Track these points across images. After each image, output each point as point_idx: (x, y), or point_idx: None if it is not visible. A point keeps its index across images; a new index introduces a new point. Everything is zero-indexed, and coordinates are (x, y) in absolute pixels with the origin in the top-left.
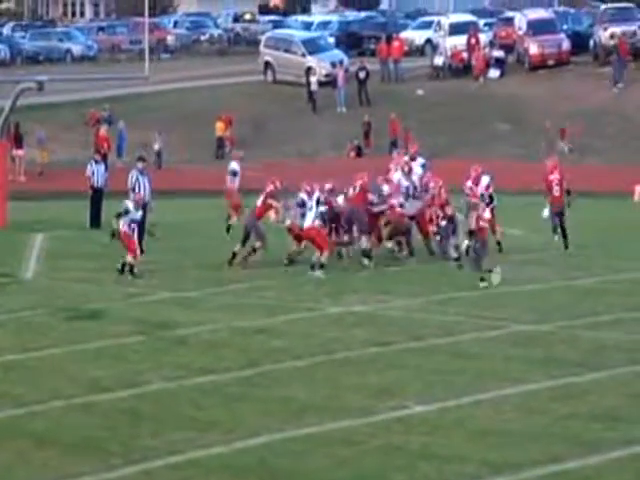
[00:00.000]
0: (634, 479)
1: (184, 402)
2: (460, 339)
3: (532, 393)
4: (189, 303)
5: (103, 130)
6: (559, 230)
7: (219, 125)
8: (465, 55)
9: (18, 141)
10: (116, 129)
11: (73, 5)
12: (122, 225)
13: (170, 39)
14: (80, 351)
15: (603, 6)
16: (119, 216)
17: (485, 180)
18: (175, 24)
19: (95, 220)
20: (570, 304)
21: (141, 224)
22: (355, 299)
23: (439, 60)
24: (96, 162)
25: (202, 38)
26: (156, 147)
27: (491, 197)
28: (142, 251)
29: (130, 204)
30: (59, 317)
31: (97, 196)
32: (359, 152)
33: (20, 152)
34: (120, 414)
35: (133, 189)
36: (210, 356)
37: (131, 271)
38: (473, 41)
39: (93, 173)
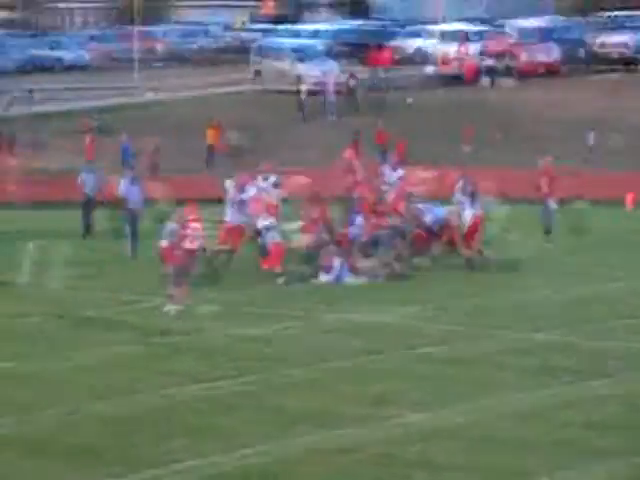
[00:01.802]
0: None
1: (181, 410)
2: (455, 347)
3: (527, 401)
4: (184, 311)
5: (88, 139)
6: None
7: (210, 133)
8: (456, 63)
9: (11, 150)
10: (114, 139)
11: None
12: (164, 242)
13: (161, 48)
14: (76, 358)
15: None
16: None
17: (459, 183)
18: (165, 33)
19: (87, 228)
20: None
21: (133, 232)
22: (350, 307)
23: (429, 69)
24: (87, 171)
25: (193, 47)
26: (154, 157)
27: (473, 195)
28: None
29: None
30: (54, 324)
31: (88, 204)
32: None
33: (13, 161)
34: (118, 422)
35: (124, 198)
36: (205, 364)
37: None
38: (464, 49)
39: (84, 181)
